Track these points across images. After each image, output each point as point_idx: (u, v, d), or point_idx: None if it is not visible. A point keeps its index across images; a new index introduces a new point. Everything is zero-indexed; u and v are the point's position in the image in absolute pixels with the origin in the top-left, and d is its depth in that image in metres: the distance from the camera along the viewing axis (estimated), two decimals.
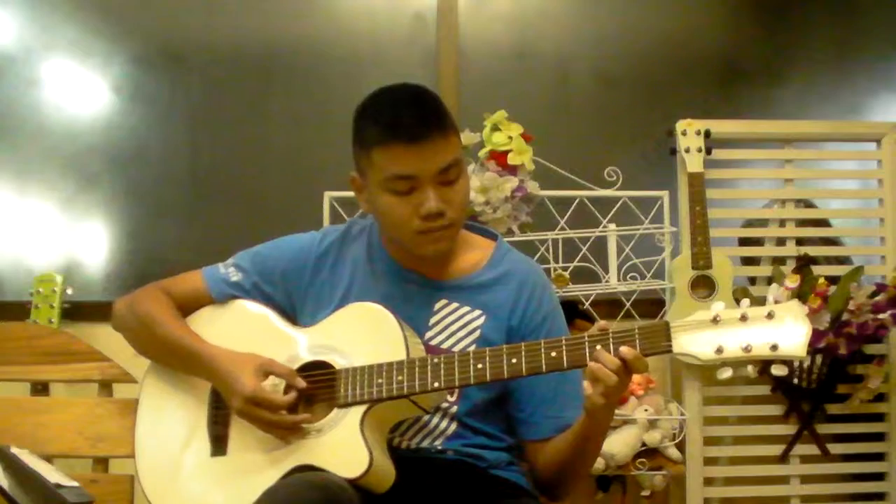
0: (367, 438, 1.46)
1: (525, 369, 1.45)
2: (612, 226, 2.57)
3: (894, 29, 3.05)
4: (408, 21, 2.93)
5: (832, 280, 2.54)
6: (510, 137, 2.46)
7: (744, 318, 1.37)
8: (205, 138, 2.88)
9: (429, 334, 1.61)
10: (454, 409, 1.59)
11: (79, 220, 2.84)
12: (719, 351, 1.37)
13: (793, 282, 2.48)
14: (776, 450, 2.65)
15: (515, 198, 2.45)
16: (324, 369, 1.56)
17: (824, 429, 2.66)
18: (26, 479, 1.48)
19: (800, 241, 2.71)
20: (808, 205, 2.80)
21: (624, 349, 1.40)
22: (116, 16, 2.88)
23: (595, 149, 2.86)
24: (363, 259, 1.68)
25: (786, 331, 1.35)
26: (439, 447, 1.59)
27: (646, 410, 2.44)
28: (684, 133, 2.62)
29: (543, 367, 1.44)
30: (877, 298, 2.50)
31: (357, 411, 1.50)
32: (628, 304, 2.58)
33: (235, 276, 1.70)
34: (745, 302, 1.40)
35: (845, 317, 2.49)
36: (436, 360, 1.49)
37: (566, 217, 2.56)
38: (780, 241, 2.74)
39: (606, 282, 2.56)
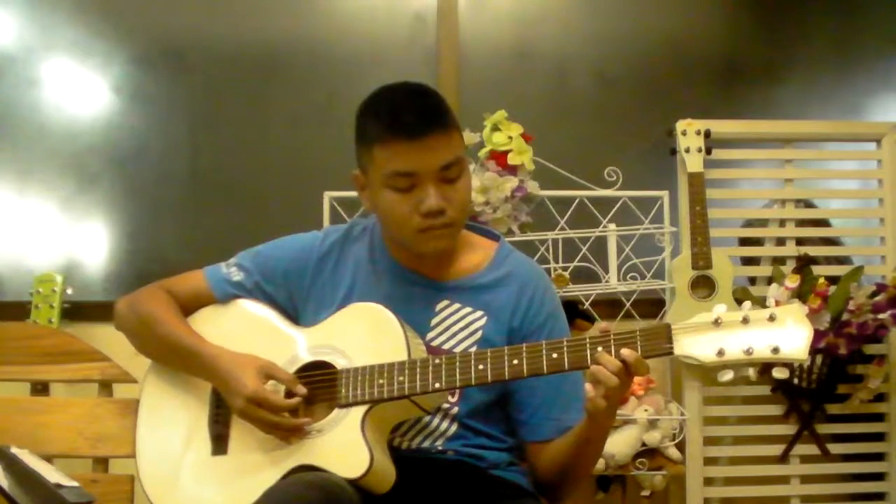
0: (367, 439, 1.46)
1: (526, 371, 1.45)
2: (612, 226, 2.57)
3: (894, 28, 3.05)
4: (408, 21, 2.92)
5: (832, 280, 2.54)
6: (510, 137, 2.46)
7: (745, 321, 1.37)
8: (205, 138, 2.88)
9: (430, 335, 1.61)
10: (455, 409, 1.59)
11: (79, 220, 2.84)
12: (720, 353, 1.36)
13: (793, 282, 2.48)
14: (776, 450, 2.65)
15: (515, 198, 2.45)
16: (325, 369, 1.56)
17: (824, 429, 2.66)
18: (26, 479, 1.48)
19: (800, 241, 2.71)
20: (808, 205, 2.80)
21: (625, 351, 1.39)
22: (116, 16, 2.88)
23: (595, 149, 2.86)
24: (365, 259, 1.68)
25: (787, 333, 1.35)
26: (440, 447, 1.59)
27: (646, 410, 2.44)
28: (684, 133, 2.62)
29: (545, 368, 1.44)
30: (877, 298, 2.50)
31: (358, 411, 1.49)
32: (628, 304, 2.58)
33: (237, 276, 1.70)
34: (747, 304, 1.40)
35: (845, 317, 2.50)
36: (437, 361, 1.48)
37: (566, 217, 2.56)
38: (780, 241, 2.74)
39: (606, 282, 2.56)
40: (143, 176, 2.85)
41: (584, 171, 2.60)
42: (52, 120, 2.84)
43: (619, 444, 2.38)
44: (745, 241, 2.79)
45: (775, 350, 1.34)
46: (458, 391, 1.58)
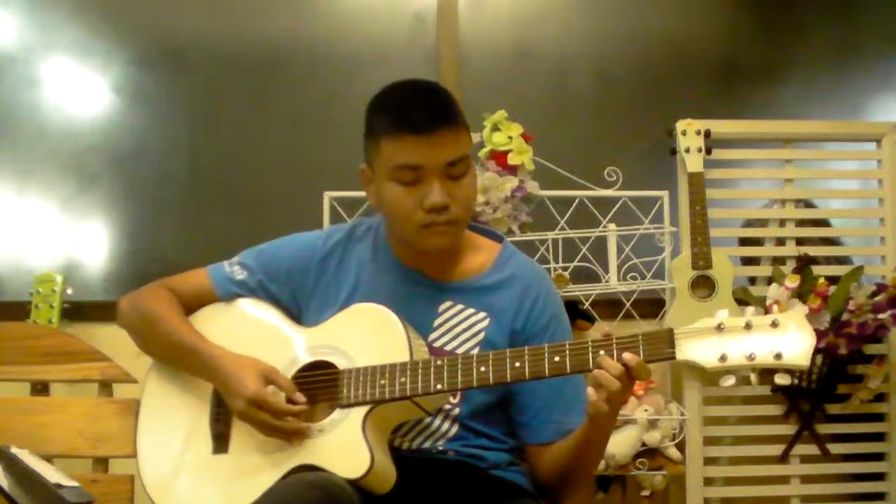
0: (368, 439, 1.46)
1: (528, 373, 1.45)
2: (612, 226, 2.57)
3: (894, 28, 3.05)
4: (408, 21, 2.92)
5: (832, 280, 2.54)
6: (510, 137, 2.46)
7: (748, 327, 1.37)
8: (205, 138, 2.88)
9: (433, 335, 1.61)
10: (456, 411, 1.59)
11: (79, 220, 2.84)
12: (723, 359, 1.36)
13: (793, 282, 2.48)
14: (776, 450, 2.65)
15: (515, 198, 2.45)
16: (327, 369, 1.56)
17: (824, 429, 2.66)
18: (26, 479, 1.48)
19: (800, 241, 2.71)
20: (808, 205, 2.80)
21: (627, 355, 1.39)
22: (116, 16, 2.88)
23: (595, 149, 2.86)
24: (368, 258, 1.68)
25: (790, 340, 1.35)
26: (440, 448, 1.59)
27: (646, 410, 2.44)
28: (684, 133, 2.62)
29: (546, 371, 1.44)
30: (877, 298, 2.50)
31: (359, 412, 1.49)
32: (628, 304, 2.58)
33: (240, 275, 1.70)
34: (750, 310, 1.40)
35: (845, 317, 2.50)
36: (439, 363, 1.48)
37: (566, 217, 2.56)
38: (780, 241, 2.74)
39: (606, 282, 2.56)
40: (143, 176, 2.85)
41: (584, 171, 2.60)
42: (52, 120, 2.84)
43: (619, 444, 2.38)
44: (745, 241, 2.79)
45: (777, 356, 1.34)
46: (459, 392, 1.58)
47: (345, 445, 1.47)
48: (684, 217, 2.62)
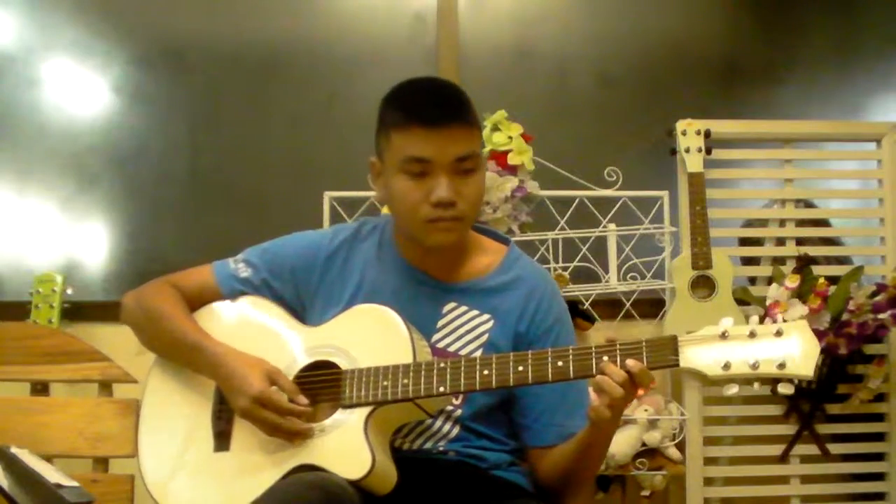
0: (370, 440, 1.46)
1: (531, 378, 1.44)
2: (612, 226, 2.57)
3: (894, 28, 3.05)
4: (408, 21, 2.92)
5: (832, 280, 2.54)
6: (510, 137, 2.46)
7: (752, 335, 1.36)
8: (205, 138, 2.88)
9: (436, 336, 1.61)
10: (458, 412, 1.59)
11: (79, 220, 2.84)
12: (726, 367, 1.36)
13: (793, 282, 2.48)
14: (776, 450, 2.65)
15: (515, 198, 2.45)
16: (329, 369, 1.56)
17: (824, 429, 2.67)
18: (26, 479, 1.48)
19: (800, 241, 2.71)
20: (808, 205, 2.81)
21: (630, 362, 1.39)
22: (116, 16, 2.88)
23: (595, 149, 2.86)
24: (374, 258, 1.68)
25: (794, 350, 1.34)
26: (441, 448, 1.59)
27: (646, 410, 2.44)
28: (684, 133, 2.62)
29: (550, 376, 1.44)
30: (877, 298, 2.50)
31: (361, 413, 1.49)
32: (628, 304, 2.58)
33: (245, 272, 1.70)
34: (755, 319, 1.39)
35: (845, 317, 2.50)
36: (442, 365, 1.48)
37: (566, 217, 2.56)
38: (780, 241, 2.74)
39: (606, 282, 2.56)
40: (143, 176, 2.85)
41: (584, 171, 2.60)
42: (52, 120, 2.84)
43: (619, 444, 2.38)
44: (745, 241, 2.79)
45: (781, 366, 1.34)
46: (461, 394, 1.57)
47: (346, 446, 1.47)
48: (684, 217, 2.62)
